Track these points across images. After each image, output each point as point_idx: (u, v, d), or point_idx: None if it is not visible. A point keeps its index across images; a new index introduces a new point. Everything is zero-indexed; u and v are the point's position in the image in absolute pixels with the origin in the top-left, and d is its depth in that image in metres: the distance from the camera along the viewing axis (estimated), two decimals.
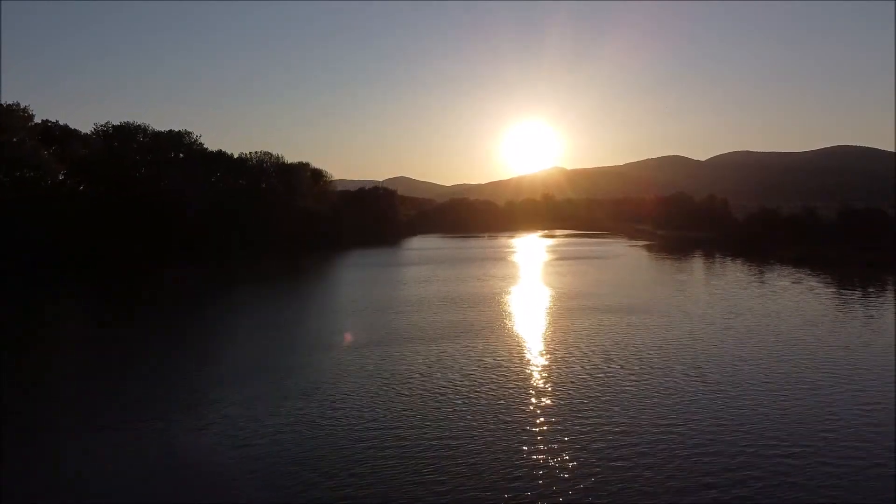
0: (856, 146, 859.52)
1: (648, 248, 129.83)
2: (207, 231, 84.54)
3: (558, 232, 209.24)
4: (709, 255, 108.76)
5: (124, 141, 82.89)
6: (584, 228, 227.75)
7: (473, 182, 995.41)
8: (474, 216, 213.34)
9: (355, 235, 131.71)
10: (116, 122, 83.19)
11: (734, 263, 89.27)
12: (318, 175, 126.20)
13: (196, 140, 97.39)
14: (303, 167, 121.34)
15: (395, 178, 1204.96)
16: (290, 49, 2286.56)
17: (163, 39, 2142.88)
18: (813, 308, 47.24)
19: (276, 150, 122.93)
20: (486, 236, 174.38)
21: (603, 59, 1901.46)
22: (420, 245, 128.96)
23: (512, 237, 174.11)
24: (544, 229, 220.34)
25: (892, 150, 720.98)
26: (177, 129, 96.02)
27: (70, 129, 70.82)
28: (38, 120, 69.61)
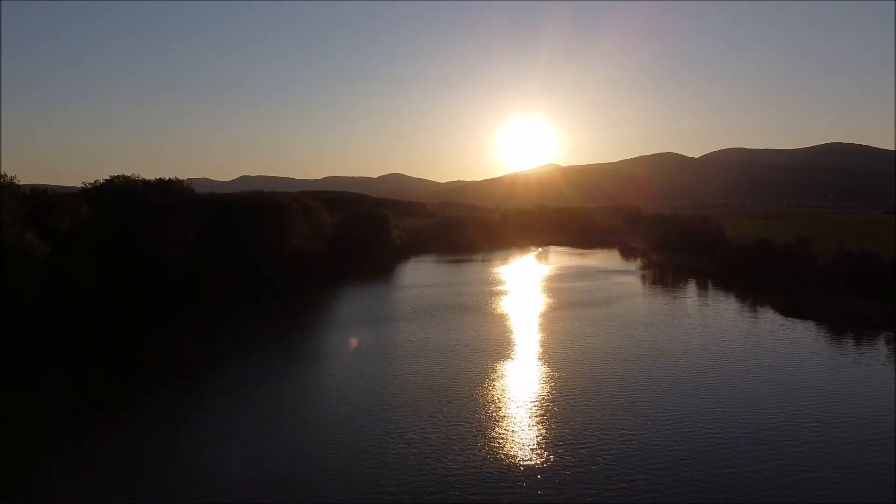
0: (848, 143, 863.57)
1: (643, 279, 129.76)
2: (191, 289, 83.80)
3: (552, 249, 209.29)
4: (702, 293, 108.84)
5: (113, 198, 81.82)
6: (578, 242, 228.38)
7: (468, 179, 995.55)
8: (467, 232, 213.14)
9: (349, 263, 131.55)
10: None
11: (727, 309, 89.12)
12: (309, 210, 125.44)
13: (187, 187, 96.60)
14: (295, 202, 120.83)
15: (389, 174, 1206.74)
16: (287, 47, 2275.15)
17: (158, 36, 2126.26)
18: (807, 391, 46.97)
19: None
20: (479, 259, 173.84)
21: (598, 56, 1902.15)
22: (412, 279, 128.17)
23: (506, 259, 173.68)
24: (538, 245, 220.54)
25: (885, 148, 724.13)
26: (167, 178, 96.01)
27: (57, 197, 69.70)
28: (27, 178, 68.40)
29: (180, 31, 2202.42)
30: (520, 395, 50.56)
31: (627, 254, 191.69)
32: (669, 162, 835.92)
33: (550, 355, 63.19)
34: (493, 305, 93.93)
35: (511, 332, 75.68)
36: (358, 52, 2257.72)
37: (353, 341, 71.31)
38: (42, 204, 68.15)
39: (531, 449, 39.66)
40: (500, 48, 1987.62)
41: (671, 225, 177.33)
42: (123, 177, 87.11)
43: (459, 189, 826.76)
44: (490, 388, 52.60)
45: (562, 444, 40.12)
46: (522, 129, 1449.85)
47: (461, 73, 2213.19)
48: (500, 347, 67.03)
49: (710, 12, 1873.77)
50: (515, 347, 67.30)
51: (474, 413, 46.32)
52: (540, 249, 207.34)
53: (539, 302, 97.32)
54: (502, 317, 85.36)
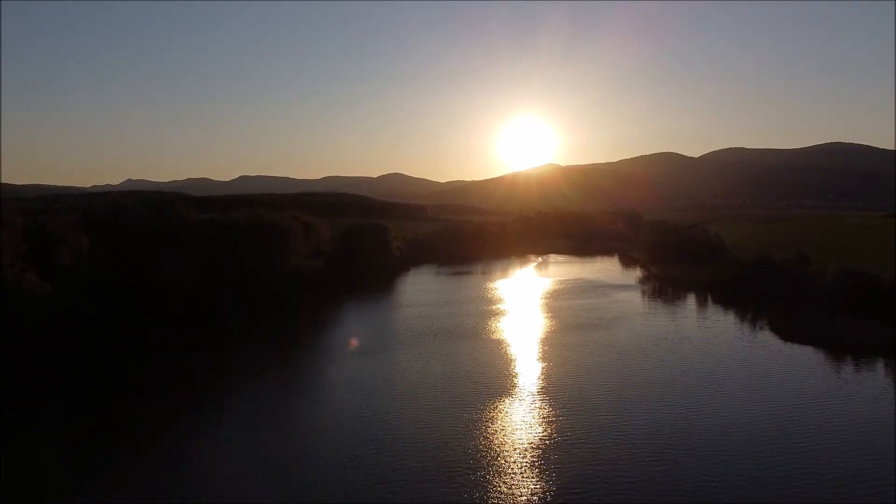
0: (848, 143, 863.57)
1: (642, 295, 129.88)
2: (193, 313, 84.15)
3: (552, 259, 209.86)
4: (701, 311, 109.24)
5: (113, 226, 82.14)
6: (578, 250, 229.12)
7: (468, 179, 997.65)
8: (467, 241, 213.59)
9: (349, 279, 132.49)
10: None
11: (725, 332, 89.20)
12: (309, 228, 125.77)
13: (189, 210, 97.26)
14: (295, 220, 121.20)
15: (389, 174, 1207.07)
16: (287, 47, 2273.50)
17: (157, 36, 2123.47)
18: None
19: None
20: (479, 271, 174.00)
21: (597, 56, 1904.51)
22: (411, 297, 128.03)
23: (506, 271, 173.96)
24: (538, 253, 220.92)
25: (885, 148, 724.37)
26: (167, 200, 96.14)
27: (56, 232, 69.78)
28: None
29: (180, 31, 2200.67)
30: (517, 437, 50.67)
31: (627, 263, 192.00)
32: (669, 162, 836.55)
33: (549, 390, 63.24)
34: (492, 330, 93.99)
35: (510, 362, 75.70)
36: (358, 52, 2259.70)
37: (353, 358, 71.84)
38: (42, 239, 68.26)
39: (526, 497, 39.84)
40: (500, 48, 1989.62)
41: (671, 234, 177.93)
42: (121, 204, 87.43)
43: (459, 189, 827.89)
44: (487, 429, 52.62)
45: (558, 491, 40.33)
46: (522, 129, 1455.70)
47: (461, 73, 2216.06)
48: (498, 380, 67.02)
49: (710, 12, 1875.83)
50: (514, 380, 67.38)
51: (473, 457, 46.53)
52: (539, 259, 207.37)
53: (538, 325, 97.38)
54: (501, 343, 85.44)
